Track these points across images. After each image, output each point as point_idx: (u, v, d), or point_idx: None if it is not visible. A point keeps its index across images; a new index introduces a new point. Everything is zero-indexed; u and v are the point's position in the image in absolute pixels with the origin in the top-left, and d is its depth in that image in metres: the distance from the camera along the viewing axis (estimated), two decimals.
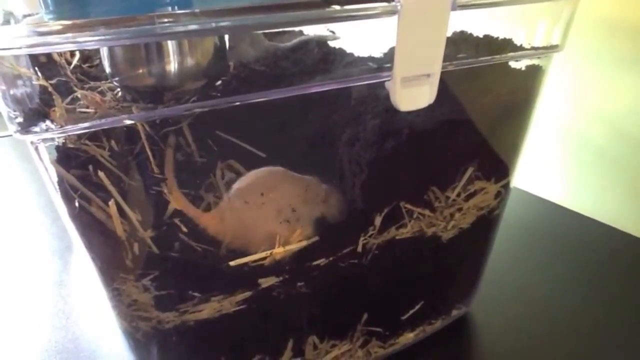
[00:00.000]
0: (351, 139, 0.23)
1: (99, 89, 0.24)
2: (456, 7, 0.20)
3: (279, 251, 0.24)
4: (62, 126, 0.22)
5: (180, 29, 0.19)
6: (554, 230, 0.45)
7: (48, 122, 0.23)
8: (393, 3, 0.19)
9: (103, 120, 0.22)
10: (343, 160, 0.24)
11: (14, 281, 0.41)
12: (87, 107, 0.23)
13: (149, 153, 0.23)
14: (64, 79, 0.24)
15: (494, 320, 0.35)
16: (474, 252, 0.31)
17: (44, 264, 0.43)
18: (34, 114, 0.23)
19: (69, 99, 0.23)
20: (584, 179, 0.47)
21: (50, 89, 0.23)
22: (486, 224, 0.30)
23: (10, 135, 0.71)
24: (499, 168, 0.28)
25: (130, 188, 0.23)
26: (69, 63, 0.25)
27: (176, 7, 0.23)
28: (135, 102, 0.23)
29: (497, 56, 0.24)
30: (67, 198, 0.23)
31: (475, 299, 0.34)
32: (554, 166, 0.50)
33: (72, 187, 0.24)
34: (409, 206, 0.25)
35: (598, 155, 0.45)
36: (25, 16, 0.26)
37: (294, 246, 0.24)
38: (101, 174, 0.23)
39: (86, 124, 0.22)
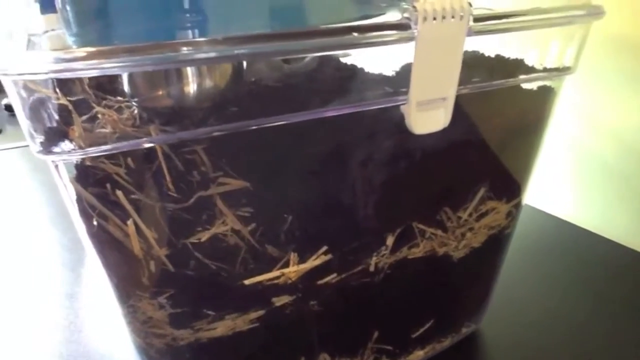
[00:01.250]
0: (364, 160, 0.23)
1: (116, 107, 0.24)
2: (472, 33, 0.20)
3: (292, 270, 0.24)
4: (81, 147, 0.23)
5: (202, 56, 0.19)
6: (561, 246, 0.46)
7: (68, 142, 0.23)
8: (410, 30, 0.19)
9: (124, 143, 0.22)
10: (356, 181, 0.24)
11: (25, 293, 0.41)
12: (104, 127, 0.24)
13: (166, 172, 0.23)
14: (82, 96, 0.24)
15: (503, 337, 0.35)
16: (485, 270, 0.32)
17: (55, 276, 0.43)
18: (54, 133, 0.23)
19: (85, 117, 0.23)
20: (592, 196, 0.47)
21: (70, 107, 0.23)
22: (497, 242, 0.30)
23: (21, 147, 0.72)
24: (510, 188, 0.29)
25: (147, 206, 0.24)
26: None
27: (197, 32, 0.24)
28: (153, 122, 0.23)
29: (511, 79, 0.25)
30: (85, 216, 0.23)
31: (485, 316, 0.34)
32: (561, 182, 0.50)
33: (90, 205, 0.24)
34: (421, 226, 0.26)
35: (606, 172, 0.45)
36: (45, 32, 0.27)
37: (308, 265, 0.24)
38: (119, 192, 0.24)
39: (108, 146, 0.22)
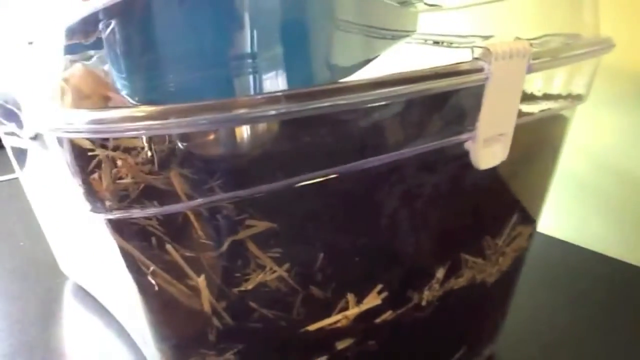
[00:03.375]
0: (419, 199, 0.24)
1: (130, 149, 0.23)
2: (531, 70, 0.21)
3: (354, 311, 0.24)
4: (108, 202, 0.22)
5: (260, 114, 0.18)
6: (542, 258, 0.48)
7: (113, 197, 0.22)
8: (484, 72, 0.20)
9: (174, 206, 0.21)
10: (408, 219, 0.24)
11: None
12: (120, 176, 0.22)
13: (193, 219, 0.23)
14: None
15: (517, 353, 0.36)
16: (507, 292, 0.33)
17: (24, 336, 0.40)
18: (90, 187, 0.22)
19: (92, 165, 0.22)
20: (570, 211, 0.50)
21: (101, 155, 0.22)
22: (518, 263, 0.31)
23: None
24: (533, 211, 0.30)
25: (188, 258, 0.23)
26: None
27: (257, 78, 0.23)
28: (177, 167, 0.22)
29: (543, 110, 0.26)
30: (137, 273, 0.22)
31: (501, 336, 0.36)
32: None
33: (139, 260, 0.23)
34: (467, 256, 0.26)
35: (583, 188, 0.48)
36: (29, 43, 0.25)
37: (368, 305, 0.24)
38: (169, 247, 0.22)
39: (157, 209, 0.21)
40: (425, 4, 0.35)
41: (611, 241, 0.47)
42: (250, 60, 0.23)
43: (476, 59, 0.20)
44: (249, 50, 0.23)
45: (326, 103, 0.18)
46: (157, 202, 0.21)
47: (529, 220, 0.30)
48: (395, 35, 0.36)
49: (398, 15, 0.37)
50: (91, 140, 0.22)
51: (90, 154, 0.22)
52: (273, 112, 0.18)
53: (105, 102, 0.24)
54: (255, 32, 0.23)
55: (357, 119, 0.23)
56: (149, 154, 0.23)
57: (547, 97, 0.26)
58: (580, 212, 0.49)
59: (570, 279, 0.45)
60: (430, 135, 0.22)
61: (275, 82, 0.24)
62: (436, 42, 0.38)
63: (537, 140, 0.28)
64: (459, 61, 0.20)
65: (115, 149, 0.23)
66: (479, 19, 0.38)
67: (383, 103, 0.20)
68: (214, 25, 0.23)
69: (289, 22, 0.25)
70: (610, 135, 0.45)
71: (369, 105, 0.20)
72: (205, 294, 0.21)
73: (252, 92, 0.23)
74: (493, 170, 0.24)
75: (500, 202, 0.27)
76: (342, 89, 0.18)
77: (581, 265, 0.47)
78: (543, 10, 0.33)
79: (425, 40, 0.36)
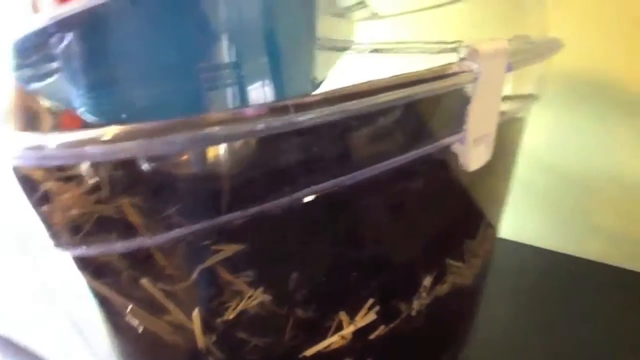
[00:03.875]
0: (405, 207, 0.23)
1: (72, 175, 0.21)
2: (511, 68, 0.21)
3: (349, 330, 0.22)
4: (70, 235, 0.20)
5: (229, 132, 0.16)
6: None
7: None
8: (474, 71, 0.20)
9: (151, 240, 0.19)
10: (397, 229, 0.23)
11: None
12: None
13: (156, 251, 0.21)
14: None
15: (487, 353, 0.36)
16: (479, 292, 0.33)
17: None
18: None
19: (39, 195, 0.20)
20: (509, 208, 0.52)
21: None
22: (487, 264, 0.32)
23: None
24: (499, 212, 0.30)
25: (166, 291, 0.21)
26: None
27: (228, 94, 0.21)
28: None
29: (510, 109, 0.26)
30: (114, 314, 0.20)
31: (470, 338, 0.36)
32: None
33: (106, 296, 0.20)
34: (450, 261, 0.26)
35: (518, 185, 0.50)
36: None
37: (362, 322, 0.23)
38: (144, 280, 0.20)
39: (129, 244, 0.19)
40: (375, 13, 0.35)
41: (551, 235, 0.49)
42: (221, 72, 0.22)
43: (463, 59, 0.20)
44: (218, 62, 0.22)
45: (311, 115, 0.17)
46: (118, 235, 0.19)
47: (497, 219, 0.30)
48: (338, 46, 0.36)
49: (337, 26, 0.36)
50: (45, 169, 0.19)
51: (42, 184, 0.20)
52: (261, 127, 0.16)
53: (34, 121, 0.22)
54: (221, 44, 0.22)
55: (334, 134, 0.22)
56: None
57: (513, 97, 0.27)
58: (519, 209, 0.51)
59: (515, 276, 0.46)
60: (419, 141, 0.21)
61: (245, 95, 0.23)
62: (376, 50, 0.39)
63: (506, 139, 0.28)
64: (447, 63, 0.20)
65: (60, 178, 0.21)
66: (419, 25, 0.38)
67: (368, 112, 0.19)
68: (179, 36, 0.21)
69: (254, 34, 0.23)
70: (543, 134, 0.47)
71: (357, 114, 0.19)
72: (199, 332, 0.19)
73: (226, 105, 0.21)
74: (472, 172, 0.24)
75: (476, 204, 0.27)
76: (324, 101, 0.17)
77: (524, 261, 0.49)
78: (481, 13, 0.35)
79: (376, 50, 0.36)
